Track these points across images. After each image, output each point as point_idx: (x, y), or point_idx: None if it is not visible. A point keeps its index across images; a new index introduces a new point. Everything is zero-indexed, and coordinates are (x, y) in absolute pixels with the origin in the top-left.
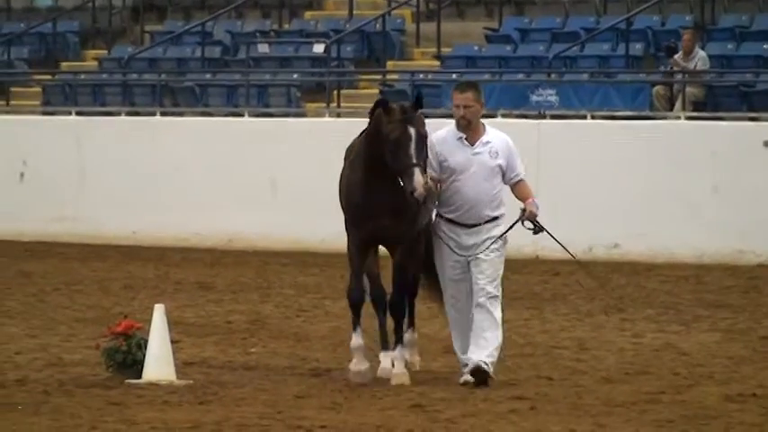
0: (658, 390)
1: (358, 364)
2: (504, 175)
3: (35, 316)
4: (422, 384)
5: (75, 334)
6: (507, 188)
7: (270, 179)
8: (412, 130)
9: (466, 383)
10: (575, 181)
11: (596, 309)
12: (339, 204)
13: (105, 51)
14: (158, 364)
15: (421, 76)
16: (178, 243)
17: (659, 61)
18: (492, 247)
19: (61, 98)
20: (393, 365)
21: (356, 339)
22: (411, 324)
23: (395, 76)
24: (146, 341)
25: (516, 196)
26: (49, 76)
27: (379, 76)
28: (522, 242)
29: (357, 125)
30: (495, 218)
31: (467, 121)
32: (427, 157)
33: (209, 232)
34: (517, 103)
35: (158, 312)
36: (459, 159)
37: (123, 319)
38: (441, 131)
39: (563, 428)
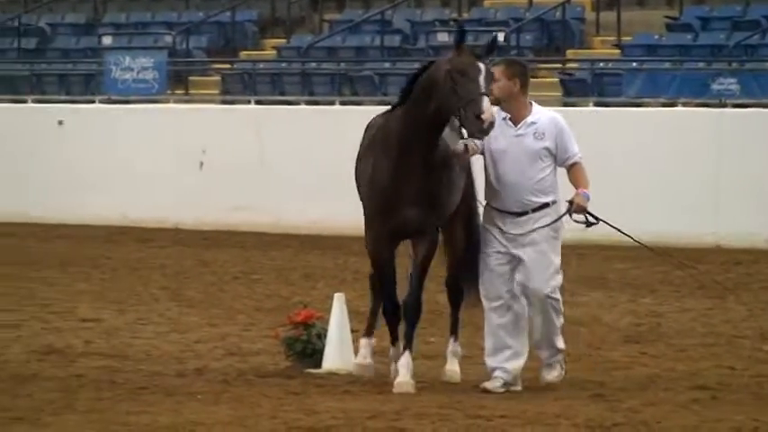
0: None
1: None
2: (555, 158)
3: (214, 305)
4: (602, 374)
5: (255, 323)
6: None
7: None
8: (481, 64)
9: (486, 390)
10: (756, 170)
11: None
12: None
13: (284, 40)
14: (338, 353)
15: (601, 64)
16: (358, 232)
17: None
18: (537, 239)
19: (240, 87)
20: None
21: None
22: (454, 333)
23: (574, 65)
24: (325, 330)
25: (570, 181)
26: (227, 66)
27: (558, 65)
28: (703, 231)
29: None
30: (544, 205)
31: (494, 97)
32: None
33: None
34: (698, 93)
35: (338, 302)
36: (501, 142)
37: (303, 308)
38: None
39: (745, 418)
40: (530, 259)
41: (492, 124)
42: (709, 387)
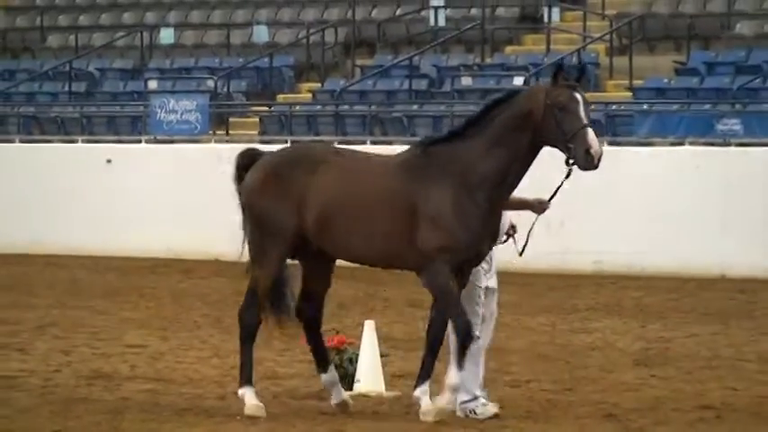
0: None
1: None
2: None
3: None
4: (614, 395)
5: (290, 348)
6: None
7: None
8: (579, 95)
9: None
10: (759, 205)
11: None
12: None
13: (319, 84)
14: (368, 376)
15: (614, 106)
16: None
17: None
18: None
19: (277, 128)
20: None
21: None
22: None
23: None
24: (357, 355)
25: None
26: (265, 108)
27: None
28: (710, 261)
29: (557, 153)
30: None
31: None
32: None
33: None
34: (704, 132)
35: (369, 328)
36: None
37: (336, 334)
38: None
39: None
40: (494, 287)
41: (601, 158)
42: (714, 407)
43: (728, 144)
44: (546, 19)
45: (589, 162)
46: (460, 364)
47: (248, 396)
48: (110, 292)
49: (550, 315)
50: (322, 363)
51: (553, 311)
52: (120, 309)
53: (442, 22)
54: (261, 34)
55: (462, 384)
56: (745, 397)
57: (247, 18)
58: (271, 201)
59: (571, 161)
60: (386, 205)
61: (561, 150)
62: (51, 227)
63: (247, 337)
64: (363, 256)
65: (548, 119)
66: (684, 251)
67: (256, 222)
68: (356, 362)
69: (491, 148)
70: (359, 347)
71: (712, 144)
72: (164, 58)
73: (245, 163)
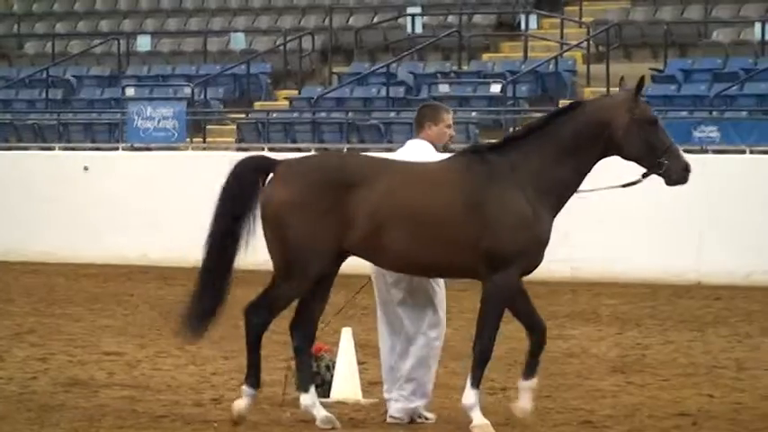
0: None
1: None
2: None
3: (232, 340)
4: (591, 402)
5: (268, 356)
6: None
7: None
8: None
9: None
10: (735, 212)
11: (755, 331)
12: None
13: (296, 91)
14: (345, 383)
15: None
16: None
17: None
18: None
19: (254, 135)
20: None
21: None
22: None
23: None
24: (334, 362)
25: None
26: (242, 115)
27: None
28: (686, 268)
29: None
30: None
31: (452, 139)
32: None
33: None
34: (681, 139)
35: (346, 336)
36: None
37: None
38: (418, 148)
39: None
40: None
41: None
42: (690, 414)
43: (705, 151)
44: (523, 26)
45: (684, 178)
46: (477, 381)
47: (237, 402)
48: (87, 300)
49: None
50: (305, 383)
51: None
52: (97, 316)
53: (419, 30)
54: (238, 41)
55: (422, 386)
56: (721, 404)
57: (224, 25)
58: (308, 218)
59: (657, 174)
60: (455, 213)
61: (643, 164)
62: (28, 234)
63: (253, 339)
64: (427, 267)
65: (634, 133)
66: (661, 258)
67: (288, 239)
68: (333, 369)
69: (559, 158)
70: (336, 354)
71: (689, 151)
72: (141, 66)
73: (258, 171)
